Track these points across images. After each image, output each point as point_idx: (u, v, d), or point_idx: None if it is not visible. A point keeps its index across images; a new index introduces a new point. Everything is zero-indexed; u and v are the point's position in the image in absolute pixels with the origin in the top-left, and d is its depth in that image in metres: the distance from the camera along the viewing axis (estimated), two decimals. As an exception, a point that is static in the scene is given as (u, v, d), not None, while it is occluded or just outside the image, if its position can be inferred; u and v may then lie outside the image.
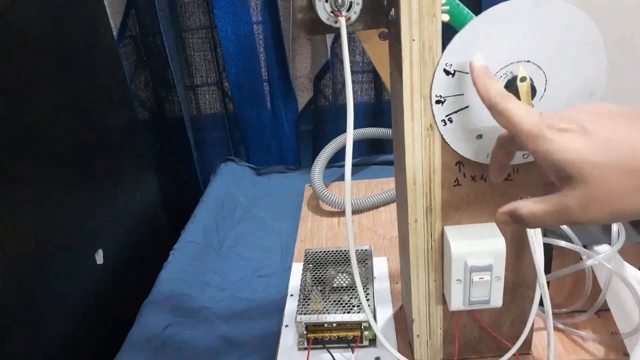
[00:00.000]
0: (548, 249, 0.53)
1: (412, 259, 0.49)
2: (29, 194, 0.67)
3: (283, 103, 1.15)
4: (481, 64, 0.38)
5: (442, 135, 0.43)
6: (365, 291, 0.59)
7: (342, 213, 0.92)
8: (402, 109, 0.43)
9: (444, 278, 0.50)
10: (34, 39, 0.70)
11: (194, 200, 1.07)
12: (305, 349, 0.58)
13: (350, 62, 1.10)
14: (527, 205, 0.35)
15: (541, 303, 0.49)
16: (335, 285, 0.62)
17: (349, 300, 0.59)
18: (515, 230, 0.48)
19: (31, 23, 0.70)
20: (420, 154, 0.44)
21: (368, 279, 0.62)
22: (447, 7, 0.43)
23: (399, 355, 0.51)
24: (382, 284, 0.69)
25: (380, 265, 0.73)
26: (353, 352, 0.57)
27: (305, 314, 0.58)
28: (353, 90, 1.08)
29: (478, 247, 0.45)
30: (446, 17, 0.42)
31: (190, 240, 0.92)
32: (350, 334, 0.58)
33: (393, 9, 0.41)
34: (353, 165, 0.48)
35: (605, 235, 0.54)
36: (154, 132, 1.20)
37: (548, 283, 0.50)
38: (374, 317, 0.59)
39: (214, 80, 1.17)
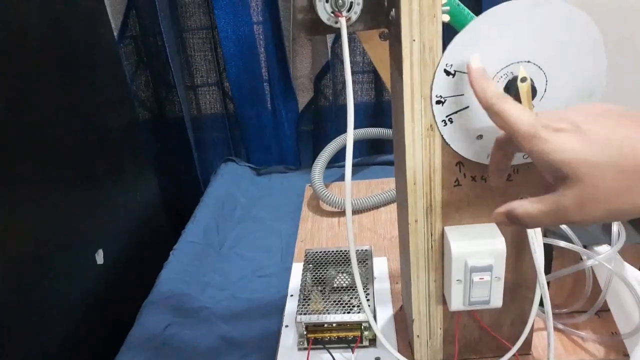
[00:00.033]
0: (548, 249, 0.53)
1: (412, 259, 0.49)
2: (29, 194, 0.67)
3: (283, 103, 1.15)
4: (478, 66, 0.38)
5: (442, 136, 0.43)
6: (365, 291, 0.59)
7: (342, 213, 0.92)
8: (402, 109, 0.43)
9: (444, 278, 0.50)
10: (34, 39, 0.70)
11: (194, 200, 1.07)
12: (305, 349, 0.58)
13: (351, 62, 1.10)
14: (523, 206, 0.35)
15: (541, 303, 0.49)
16: (335, 285, 0.62)
17: (349, 301, 0.59)
18: (515, 231, 0.48)
19: (31, 23, 0.69)
20: (420, 154, 0.44)
21: (368, 279, 0.62)
22: (448, 8, 0.43)
23: (399, 356, 0.51)
24: (382, 284, 0.69)
25: (381, 266, 0.73)
26: (353, 353, 0.57)
27: (305, 314, 0.58)
28: (353, 90, 1.07)
29: (478, 247, 0.45)
30: (446, 18, 0.42)
31: (190, 240, 0.92)
32: (350, 334, 0.58)
33: (393, 10, 0.41)
34: (353, 165, 0.48)
35: (605, 236, 0.54)
36: (154, 132, 1.19)
37: (548, 283, 0.50)
38: (374, 317, 0.59)
39: (215, 81, 1.18)
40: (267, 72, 1.13)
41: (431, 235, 0.48)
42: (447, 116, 0.42)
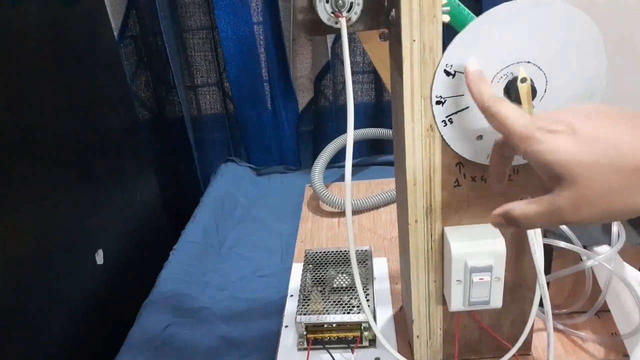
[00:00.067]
0: (548, 249, 0.53)
1: (412, 260, 0.49)
2: (29, 194, 0.67)
3: (283, 103, 1.15)
4: (475, 69, 0.38)
5: (442, 136, 0.43)
6: (365, 292, 0.59)
7: (342, 213, 0.92)
8: (402, 109, 0.43)
9: (444, 278, 0.50)
10: (34, 39, 0.70)
11: (194, 200, 1.07)
12: (305, 349, 0.58)
13: (351, 62, 1.10)
14: (520, 207, 0.35)
15: (541, 304, 0.49)
16: (335, 285, 0.62)
17: (348, 301, 0.59)
18: (515, 231, 0.48)
19: (31, 23, 0.70)
20: (420, 154, 0.44)
21: (368, 279, 0.62)
22: (448, 8, 0.43)
23: (398, 356, 0.51)
24: (382, 284, 0.69)
25: (380, 266, 0.73)
26: (353, 353, 0.57)
27: (305, 314, 0.58)
28: (353, 90, 1.07)
29: (478, 247, 0.45)
30: (447, 18, 0.42)
31: (190, 240, 0.92)
32: (350, 335, 0.58)
33: (393, 10, 0.42)
34: (353, 165, 0.48)
35: (605, 236, 0.54)
36: (154, 132, 1.20)
37: (548, 284, 0.50)
38: (374, 317, 0.59)
39: (215, 81, 1.18)
40: (267, 72, 1.13)
41: (431, 235, 0.48)
42: (447, 116, 0.42)
